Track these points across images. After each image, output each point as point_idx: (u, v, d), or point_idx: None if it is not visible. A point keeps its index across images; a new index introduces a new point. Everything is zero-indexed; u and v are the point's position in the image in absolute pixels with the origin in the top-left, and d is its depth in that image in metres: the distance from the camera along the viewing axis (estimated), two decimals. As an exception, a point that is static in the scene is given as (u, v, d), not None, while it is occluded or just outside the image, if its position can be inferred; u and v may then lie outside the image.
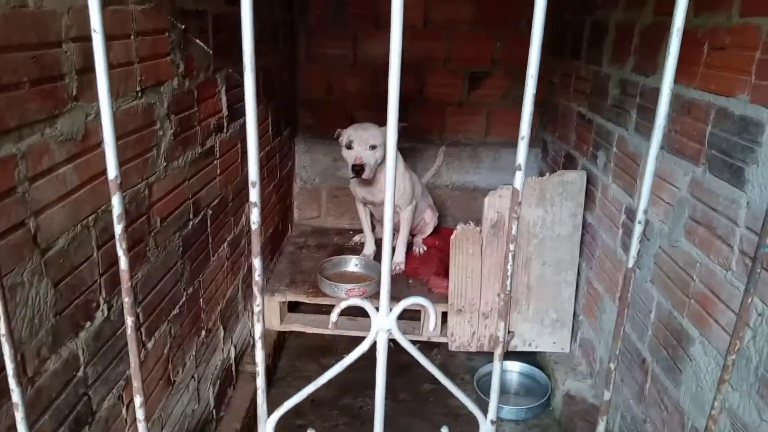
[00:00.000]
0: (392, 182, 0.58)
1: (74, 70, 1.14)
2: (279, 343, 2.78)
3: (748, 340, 1.34)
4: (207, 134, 1.88)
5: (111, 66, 1.25)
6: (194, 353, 1.86)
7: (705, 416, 1.51)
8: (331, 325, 0.66)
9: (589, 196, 2.42)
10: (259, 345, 0.66)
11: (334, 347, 2.85)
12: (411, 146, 3.31)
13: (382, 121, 2.73)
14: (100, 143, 1.25)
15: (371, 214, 3.07)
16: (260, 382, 0.69)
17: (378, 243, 3.16)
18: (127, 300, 0.62)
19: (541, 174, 3.05)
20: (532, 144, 3.40)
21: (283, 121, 3.04)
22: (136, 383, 0.65)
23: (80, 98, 1.16)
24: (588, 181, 2.41)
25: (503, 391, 2.56)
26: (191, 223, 1.78)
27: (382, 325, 0.65)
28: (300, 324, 2.75)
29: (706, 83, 1.58)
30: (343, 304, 0.65)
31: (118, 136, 1.29)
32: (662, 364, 1.75)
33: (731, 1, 1.47)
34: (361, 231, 3.26)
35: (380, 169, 2.70)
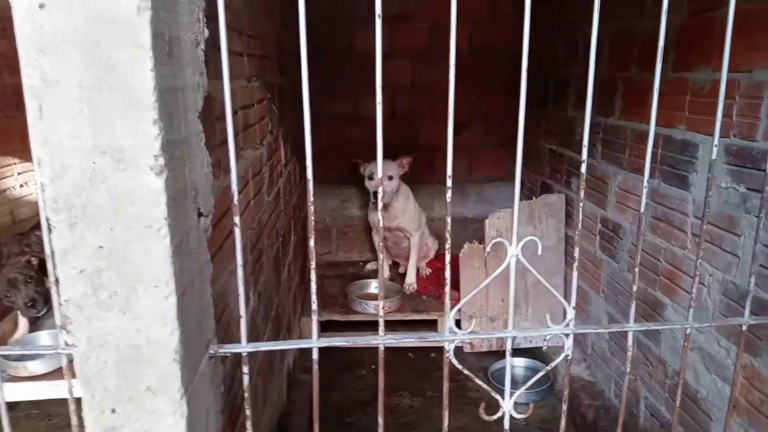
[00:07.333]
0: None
1: (241, 131, 1.62)
2: (316, 359, 3.18)
3: (704, 295, 1.91)
4: (277, 178, 2.37)
5: (249, 125, 1.75)
6: (278, 355, 2.29)
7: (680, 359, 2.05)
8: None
9: (568, 214, 3.01)
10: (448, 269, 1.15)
11: (362, 361, 3.28)
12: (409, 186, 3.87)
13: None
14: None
15: (385, 241, 3.57)
16: (448, 273, 1.16)
17: (390, 268, 3.65)
18: (380, 245, 1.11)
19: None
20: (508, 179, 4.04)
21: (300, 171, 3.55)
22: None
23: (245, 148, 1.65)
24: (566, 203, 3.00)
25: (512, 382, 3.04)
26: (275, 245, 2.25)
27: (513, 252, 1.16)
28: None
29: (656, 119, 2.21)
30: (492, 242, 1.16)
31: (250, 176, 1.78)
32: (643, 330, 2.30)
33: (666, 60, 2.11)
34: (371, 260, 3.75)
35: (394, 197, 3.23)
